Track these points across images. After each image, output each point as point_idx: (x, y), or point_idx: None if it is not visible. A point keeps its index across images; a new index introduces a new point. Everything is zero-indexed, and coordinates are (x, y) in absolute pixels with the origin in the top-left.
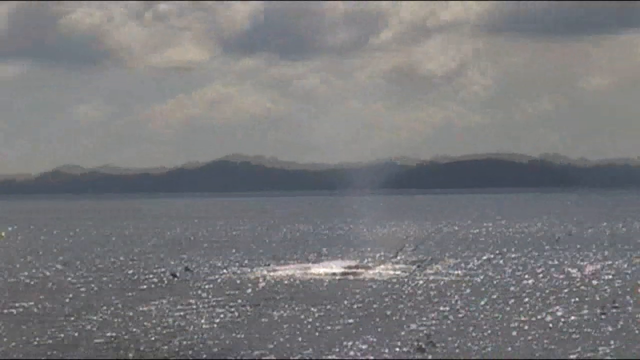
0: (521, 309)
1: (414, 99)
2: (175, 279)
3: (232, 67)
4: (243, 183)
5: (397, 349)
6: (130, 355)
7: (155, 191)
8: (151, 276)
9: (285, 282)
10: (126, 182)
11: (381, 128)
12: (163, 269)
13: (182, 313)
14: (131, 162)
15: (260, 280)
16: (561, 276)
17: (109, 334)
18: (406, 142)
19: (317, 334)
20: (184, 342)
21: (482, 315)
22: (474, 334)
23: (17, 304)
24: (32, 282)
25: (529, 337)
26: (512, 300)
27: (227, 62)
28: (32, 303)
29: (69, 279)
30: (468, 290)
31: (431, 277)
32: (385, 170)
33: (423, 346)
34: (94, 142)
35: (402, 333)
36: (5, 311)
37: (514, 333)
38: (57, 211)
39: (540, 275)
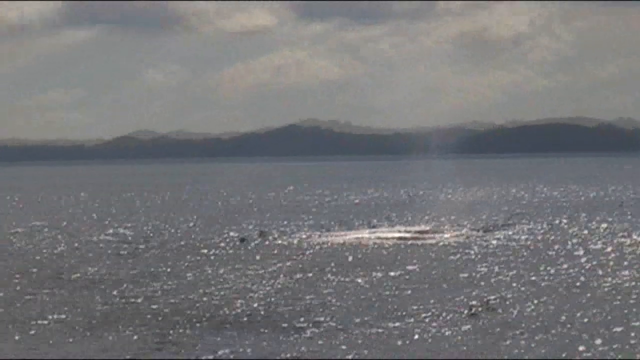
0: (586, 276)
1: (482, 63)
2: (244, 242)
3: (301, 31)
4: (312, 148)
5: (453, 314)
6: (191, 321)
7: (227, 156)
8: (219, 240)
9: (351, 247)
10: (197, 147)
11: (449, 92)
12: (233, 234)
13: (245, 278)
14: (202, 127)
15: (326, 245)
16: (627, 241)
17: (171, 300)
18: (474, 106)
19: (375, 299)
20: (245, 307)
21: (545, 283)
22: (535, 301)
23: (81, 269)
24: (99, 247)
25: (594, 303)
26: (578, 267)
27: (296, 27)
28: (96, 269)
29: (138, 244)
30: (534, 256)
31: (497, 243)
32: (453, 135)
33: (480, 311)
34: (166, 107)
35: (461, 297)
36: (70, 277)
37: (580, 299)
38: (129, 176)
39: (607, 241)
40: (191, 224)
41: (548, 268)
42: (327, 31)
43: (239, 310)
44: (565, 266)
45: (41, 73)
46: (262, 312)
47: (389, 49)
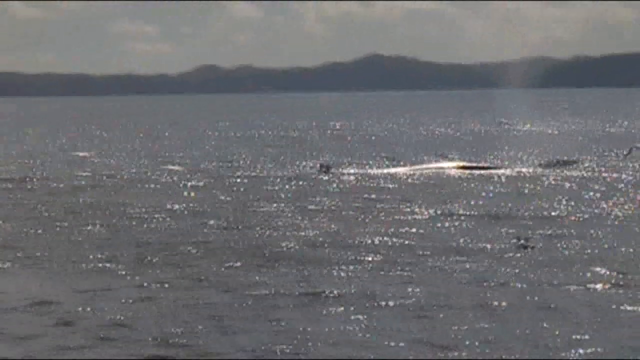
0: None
1: None
2: (323, 171)
3: None
4: (397, 79)
5: (501, 245)
6: (242, 258)
7: (310, 87)
8: (285, 174)
9: (416, 179)
10: (281, 77)
11: (532, 24)
12: (313, 164)
13: (300, 214)
14: (286, 58)
15: (386, 178)
16: None
17: (223, 236)
18: (558, 37)
19: (430, 232)
20: (297, 242)
21: (599, 220)
22: (589, 234)
23: (135, 202)
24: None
25: None
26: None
27: None
28: (153, 201)
29: (210, 174)
30: (594, 191)
31: (561, 177)
32: (536, 66)
33: (524, 244)
34: (250, 38)
35: (511, 231)
36: (119, 208)
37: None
38: (215, 106)
39: None
40: (260, 157)
41: (602, 204)
42: None
43: (293, 244)
44: (618, 201)
45: (124, 3)
46: (311, 249)
47: None
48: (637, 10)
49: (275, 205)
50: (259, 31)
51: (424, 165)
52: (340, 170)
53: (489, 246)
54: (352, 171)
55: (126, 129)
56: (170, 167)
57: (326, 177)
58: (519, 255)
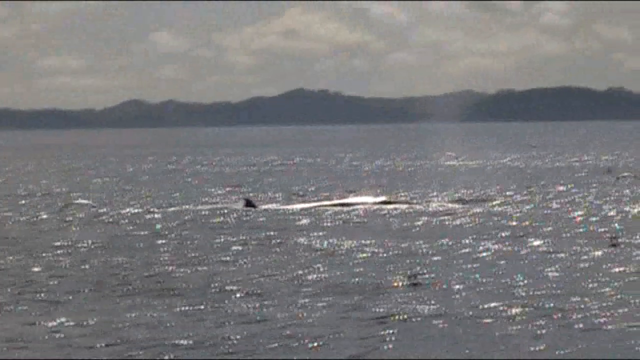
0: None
1: (491, 27)
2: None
3: None
4: (318, 114)
5: (394, 283)
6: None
7: (235, 120)
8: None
9: (329, 215)
10: (206, 111)
11: (458, 57)
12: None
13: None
14: (210, 91)
15: (305, 214)
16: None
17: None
18: (484, 70)
19: (327, 269)
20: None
21: (499, 257)
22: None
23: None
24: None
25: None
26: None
27: None
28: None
29: (123, 207)
30: (500, 228)
31: (473, 213)
32: (462, 100)
33: (414, 281)
34: (174, 71)
35: (400, 271)
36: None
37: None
38: (139, 140)
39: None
40: (181, 191)
41: (520, 247)
42: None
43: (192, 282)
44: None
45: (49, 37)
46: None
47: (398, 11)
48: (563, 44)
49: (188, 240)
50: (183, 65)
51: (347, 200)
52: (264, 205)
53: (382, 282)
54: (274, 206)
55: (41, 162)
56: (81, 200)
57: (250, 213)
58: (410, 293)
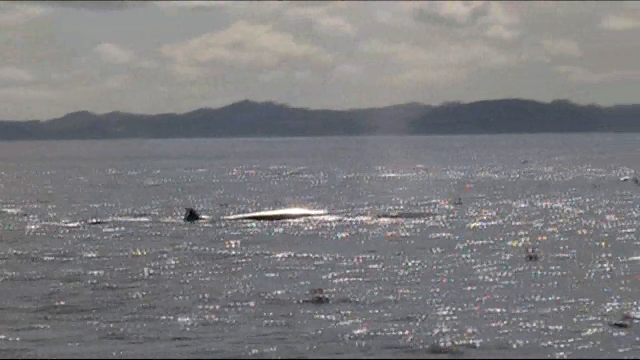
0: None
1: (438, 39)
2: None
3: (255, 7)
4: (265, 126)
5: (299, 299)
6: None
7: (179, 133)
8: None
9: (253, 228)
10: (152, 123)
11: (405, 69)
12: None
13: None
14: (157, 103)
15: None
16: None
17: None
18: (430, 83)
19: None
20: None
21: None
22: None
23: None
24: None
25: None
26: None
27: (251, 2)
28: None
29: (59, 219)
30: (427, 244)
31: (404, 227)
32: (409, 112)
33: (319, 296)
34: (121, 82)
35: (308, 284)
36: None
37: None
38: (86, 152)
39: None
40: (125, 201)
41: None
42: (283, 6)
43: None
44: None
45: None
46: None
47: (345, 23)
48: (510, 57)
49: (115, 253)
50: (129, 76)
51: (277, 212)
52: (205, 216)
53: (287, 298)
54: (207, 217)
55: None
56: (10, 210)
57: (191, 225)
58: (316, 309)
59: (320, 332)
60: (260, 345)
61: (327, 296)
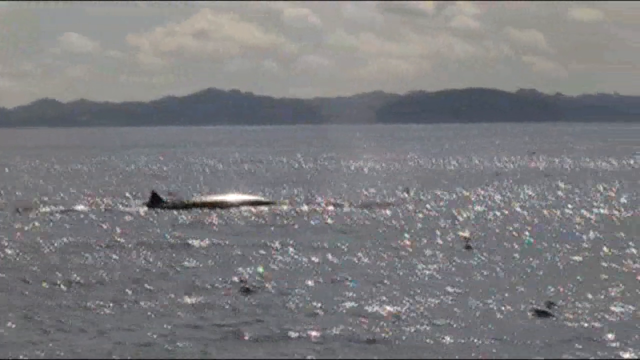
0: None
1: (403, 30)
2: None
3: None
4: (229, 114)
5: (222, 291)
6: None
7: (144, 121)
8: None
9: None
10: (117, 111)
11: (370, 59)
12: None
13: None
14: (122, 92)
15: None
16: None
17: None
18: (395, 73)
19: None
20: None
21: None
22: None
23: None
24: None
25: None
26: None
27: None
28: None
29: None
30: (369, 234)
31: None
32: (372, 101)
33: (246, 287)
34: (86, 71)
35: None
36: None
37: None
38: (49, 140)
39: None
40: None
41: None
42: None
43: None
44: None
45: None
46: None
47: (311, 14)
48: (474, 47)
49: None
50: (94, 64)
51: (219, 198)
52: (167, 199)
53: (214, 294)
54: (170, 199)
55: None
56: None
57: (152, 209)
58: (241, 301)
59: (242, 322)
60: (176, 337)
61: (253, 285)
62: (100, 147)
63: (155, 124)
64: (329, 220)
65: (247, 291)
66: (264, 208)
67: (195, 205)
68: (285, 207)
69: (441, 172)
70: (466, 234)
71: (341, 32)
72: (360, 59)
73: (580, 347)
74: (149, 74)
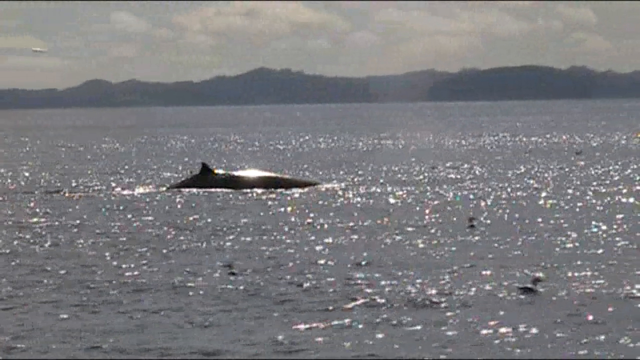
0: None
1: (451, 7)
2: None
3: None
4: (280, 93)
5: (209, 273)
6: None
7: (195, 101)
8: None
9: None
10: (168, 91)
11: (421, 36)
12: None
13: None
14: (172, 71)
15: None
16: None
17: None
18: (444, 50)
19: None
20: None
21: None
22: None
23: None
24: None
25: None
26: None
27: None
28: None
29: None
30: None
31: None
32: (422, 80)
33: (232, 270)
34: (136, 50)
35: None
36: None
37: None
38: (102, 120)
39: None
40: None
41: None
42: None
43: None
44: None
45: (8, 17)
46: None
47: None
48: (524, 23)
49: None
50: (144, 45)
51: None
52: (220, 171)
53: (199, 279)
54: (221, 172)
55: None
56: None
57: (203, 180)
58: (225, 286)
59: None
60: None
61: (236, 270)
62: (152, 126)
63: (207, 104)
64: (353, 200)
65: (233, 274)
66: (306, 189)
67: (244, 181)
68: (328, 188)
69: (474, 150)
70: (471, 213)
71: (390, 9)
72: (410, 36)
73: (564, 324)
74: (199, 53)
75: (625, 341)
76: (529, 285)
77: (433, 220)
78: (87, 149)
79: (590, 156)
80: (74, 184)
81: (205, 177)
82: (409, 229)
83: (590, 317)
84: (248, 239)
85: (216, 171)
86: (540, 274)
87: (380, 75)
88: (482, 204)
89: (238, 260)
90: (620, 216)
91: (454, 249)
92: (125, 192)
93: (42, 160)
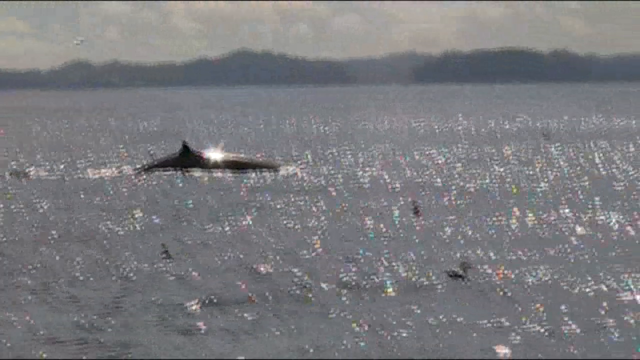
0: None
1: None
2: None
3: None
4: (263, 75)
5: (148, 257)
6: None
7: (177, 83)
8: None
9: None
10: (150, 73)
11: (400, 21)
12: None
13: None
14: (155, 53)
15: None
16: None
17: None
18: (426, 33)
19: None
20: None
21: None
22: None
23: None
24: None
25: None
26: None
27: None
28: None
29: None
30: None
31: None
32: (405, 63)
33: (167, 254)
34: (120, 33)
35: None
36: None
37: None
38: (87, 102)
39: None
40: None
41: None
42: None
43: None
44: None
45: None
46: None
47: None
48: (507, 7)
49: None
50: (127, 27)
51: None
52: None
53: (135, 263)
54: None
55: None
56: None
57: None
58: (161, 266)
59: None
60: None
61: (170, 252)
62: (133, 108)
63: (188, 86)
64: (301, 182)
65: (168, 257)
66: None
67: (210, 162)
68: (286, 171)
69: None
70: (414, 197)
71: None
72: (392, 20)
73: (495, 309)
74: (182, 35)
75: (557, 323)
76: (457, 270)
77: (380, 206)
78: (61, 130)
79: (559, 140)
80: (40, 166)
81: (185, 158)
82: (361, 212)
83: (522, 303)
84: (200, 221)
85: (195, 151)
86: (469, 260)
87: (362, 58)
88: (433, 188)
89: (177, 243)
90: (576, 201)
91: (393, 234)
92: (94, 174)
93: (14, 142)
